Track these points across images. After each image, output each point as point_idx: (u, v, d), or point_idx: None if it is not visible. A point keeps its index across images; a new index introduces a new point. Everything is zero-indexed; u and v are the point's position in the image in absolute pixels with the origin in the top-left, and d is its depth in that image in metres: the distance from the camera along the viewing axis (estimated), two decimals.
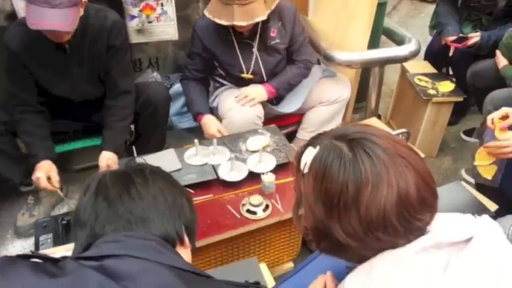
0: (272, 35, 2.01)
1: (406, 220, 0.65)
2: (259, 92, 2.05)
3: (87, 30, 1.68)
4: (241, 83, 2.09)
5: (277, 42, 2.04)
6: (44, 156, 1.76)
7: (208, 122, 1.99)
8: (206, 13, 1.86)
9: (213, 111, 2.17)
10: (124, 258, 0.61)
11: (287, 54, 2.14)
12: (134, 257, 0.61)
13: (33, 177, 1.73)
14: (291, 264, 1.79)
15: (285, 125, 2.27)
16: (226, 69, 2.08)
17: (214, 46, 2.00)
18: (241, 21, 1.79)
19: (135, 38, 2.47)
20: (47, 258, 0.64)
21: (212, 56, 2.04)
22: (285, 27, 2.04)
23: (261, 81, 2.09)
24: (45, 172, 1.73)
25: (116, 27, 1.78)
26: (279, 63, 2.11)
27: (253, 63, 2.04)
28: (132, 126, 2.13)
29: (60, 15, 1.50)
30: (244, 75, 2.06)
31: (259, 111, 2.04)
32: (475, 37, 2.32)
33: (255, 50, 2.02)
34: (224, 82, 2.17)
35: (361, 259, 0.71)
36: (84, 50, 1.75)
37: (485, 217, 0.73)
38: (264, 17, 1.84)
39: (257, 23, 1.90)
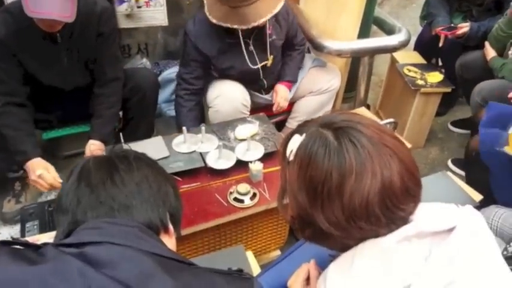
0: (269, 32, 1.98)
1: (389, 210, 0.66)
2: (286, 93, 2.14)
3: (76, 18, 1.61)
4: (241, 77, 2.05)
5: (274, 39, 2.01)
6: (34, 154, 1.67)
7: None
8: (214, 20, 1.79)
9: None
10: (105, 245, 0.60)
11: (287, 42, 2.12)
12: (115, 244, 0.60)
13: (33, 176, 1.62)
14: (278, 252, 1.81)
15: (274, 114, 2.27)
16: (224, 71, 2.02)
17: (208, 49, 1.93)
18: (258, 20, 1.76)
19: (123, 23, 2.43)
20: (27, 245, 0.63)
21: (208, 60, 1.97)
22: (280, 22, 2.02)
23: (258, 77, 2.07)
24: (44, 169, 1.64)
25: (105, 14, 1.74)
26: (277, 56, 2.10)
27: (251, 61, 1.99)
28: (121, 113, 2.11)
29: (60, 4, 1.46)
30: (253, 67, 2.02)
31: (246, 99, 2.04)
32: (464, 27, 2.33)
33: (251, 48, 1.97)
34: (215, 74, 2.13)
35: (344, 248, 0.71)
36: (74, 38, 1.71)
37: (469, 207, 0.73)
38: (280, 5, 1.82)
39: None
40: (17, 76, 1.71)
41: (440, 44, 2.43)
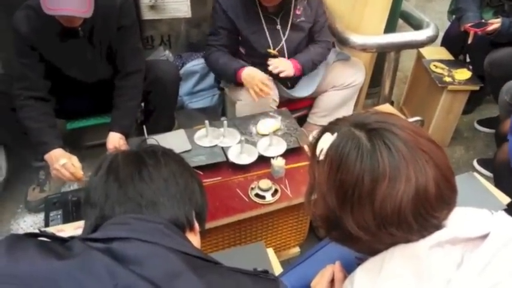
0: (298, 13, 1.97)
1: (422, 217, 0.63)
2: (288, 65, 1.99)
3: (97, 11, 1.61)
4: (263, 61, 2.02)
5: (302, 20, 2.00)
6: (56, 144, 1.67)
7: (254, 71, 1.88)
8: None
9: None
10: (132, 241, 0.60)
11: (309, 34, 2.09)
12: (142, 241, 0.60)
13: (56, 165, 1.62)
14: (297, 249, 1.80)
15: (296, 108, 2.24)
16: (250, 44, 2.00)
17: (238, 19, 1.92)
18: None
19: (147, 15, 2.43)
20: (54, 238, 0.63)
21: (236, 30, 1.95)
22: (310, 5, 2.01)
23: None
24: (68, 159, 1.64)
25: (125, 6, 1.74)
26: (302, 42, 2.07)
27: (276, 40, 1.99)
28: (143, 105, 2.11)
29: (77, 0, 1.46)
30: (271, 50, 2.00)
31: (275, 94, 2.01)
32: (495, 23, 2.25)
33: (279, 26, 1.97)
34: (243, 63, 2.12)
35: (373, 251, 0.70)
36: (95, 32, 1.72)
37: (502, 213, 0.71)
38: None
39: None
40: (39, 71, 1.72)
41: (469, 41, 2.35)
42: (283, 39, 2.00)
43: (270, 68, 1.95)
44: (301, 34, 2.04)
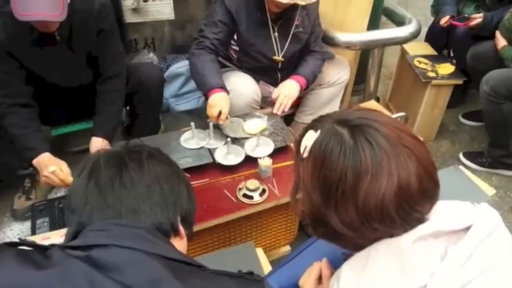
0: (296, 22, 1.96)
1: (405, 211, 0.64)
2: (293, 91, 1.93)
3: (74, 16, 1.59)
4: (257, 66, 2.02)
5: (300, 30, 1.98)
6: (43, 149, 1.65)
7: (220, 100, 1.73)
8: None
9: None
10: (112, 248, 0.59)
11: (306, 45, 2.08)
12: (122, 247, 0.59)
13: (45, 171, 1.60)
14: (287, 248, 1.79)
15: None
16: (246, 47, 1.97)
17: (239, 18, 1.87)
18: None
19: (130, 18, 2.42)
20: (35, 246, 0.62)
21: (234, 26, 1.89)
22: (309, 16, 1.99)
23: (277, 67, 2.05)
24: (57, 166, 1.62)
25: (103, 10, 1.71)
26: (297, 52, 2.06)
27: (275, 47, 1.97)
28: (128, 108, 2.09)
29: (49, 4, 1.43)
30: (276, 57, 1.98)
31: (257, 94, 2.01)
32: (477, 18, 2.28)
33: (276, 34, 1.95)
34: (230, 65, 2.11)
35: (358, 247, 0.70)
36: (73, 37, 1.69)
37: (485, 205, 0.71)
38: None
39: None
40: (20, 77, 1.69)
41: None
42: (279, 47, 1.98)
43: (275, 111, 1.89)
44: (297, 45, 2.02)
